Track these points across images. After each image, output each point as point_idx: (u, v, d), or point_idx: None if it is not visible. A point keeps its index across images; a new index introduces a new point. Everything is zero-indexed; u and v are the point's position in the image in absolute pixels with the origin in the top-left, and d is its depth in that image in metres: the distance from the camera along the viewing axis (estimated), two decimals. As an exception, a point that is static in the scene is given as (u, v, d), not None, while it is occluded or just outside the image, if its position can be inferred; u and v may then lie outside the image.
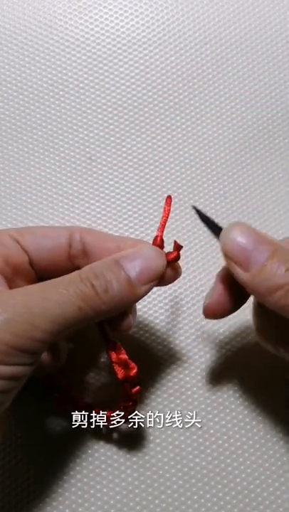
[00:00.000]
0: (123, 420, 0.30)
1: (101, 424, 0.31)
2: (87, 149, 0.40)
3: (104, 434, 0.33)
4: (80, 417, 0.31)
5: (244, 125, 0.40)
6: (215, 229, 0.27)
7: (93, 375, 0.34)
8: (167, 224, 0.30)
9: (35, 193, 0.39)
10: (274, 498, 0.32)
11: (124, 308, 0.26)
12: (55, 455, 0.32)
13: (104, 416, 0.30)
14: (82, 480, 0.32)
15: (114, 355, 0.27)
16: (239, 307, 0.29)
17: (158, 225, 0.28)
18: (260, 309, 0.29)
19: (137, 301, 0.26)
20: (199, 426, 0.33)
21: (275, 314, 0.27)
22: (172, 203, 0.29)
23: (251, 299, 0.29)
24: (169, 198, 0.29)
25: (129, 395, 0.28)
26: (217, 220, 0.38)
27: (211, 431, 0.33)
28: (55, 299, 0.23)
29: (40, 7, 0.42)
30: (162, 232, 0.28)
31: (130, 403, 0.28)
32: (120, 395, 0.29)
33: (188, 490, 0.32)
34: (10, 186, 0.39)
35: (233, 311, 0.29)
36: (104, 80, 0.41)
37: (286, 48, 0.42)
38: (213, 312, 0.28)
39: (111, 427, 0.31)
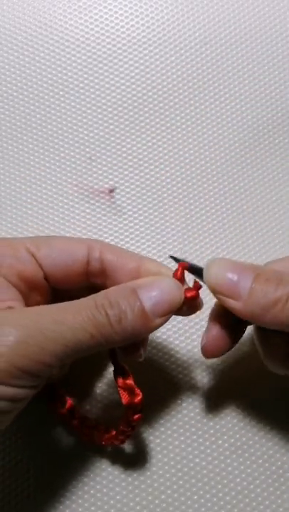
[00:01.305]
0: (118, 442, 0.30)
1: (96, 441, 0.31)
2: (87, 149, 0.40)
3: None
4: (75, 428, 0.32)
5: (244, 125, 0.40)
6: (198, 272, 0.28)
7: (96, 387, 0.34)
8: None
9: (35, 193, 0.39)
10: (274, 498, 0.32)
11: (137, 338, 0.26)
12: (55, 455, 0.32)
13: (101, 434, 0.30)
14: (82, 480, 0.32)
15: (120, 380, 0.27)
16: (236, 342, 0.29)
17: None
18: (262, 335, 0.29)
19: (150, 332, 0.26)
20: (199, 426, 0.33)
21: (278, 335, 0.27)
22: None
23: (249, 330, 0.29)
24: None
25: (130, 421, 0.28)
26: (218, 219, 0.38)
27: (211, 431, 0.33)
28: (69, 324, 0.23)
29: (40, 7, 0.42)
30: (185, 266, 0.27)
31: (129, 428, 0.28)
32: (121, 415, 0.28)
33: (188, 490, 0.32)
34: (10, 186, 0.39)
35: (231, 347, 0.28)
36: (104, 80, 0.41)
37: (286, 48, 0.42)
38: (211, 353, 0.28)
39: (104, 444, 0.30)
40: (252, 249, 0.38)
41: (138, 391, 0.27)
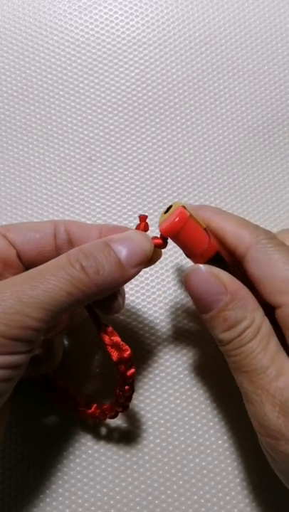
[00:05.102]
0: (121, 409, 0.30)
1: (100, 418, 0.31)
2: (87, 149, 0.40)
3: (104, 435, 0.33)
4: (78, 414, 0.32)
5: (244, 125, 0.40)
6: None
7: (89, 372, 0.34)
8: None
9: (35, 193, 0.39)
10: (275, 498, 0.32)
11: (114, 290, 0.27)
12: (55, 455, 0.33)
13: (103, 409, 0.31)
14: (82, 480, 0.32)
15: (107, 338, 0.28)
16: None
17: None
18: None
19: (126, 282, 0.26)
20: (197, 417, 0.33)
21: None
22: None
23: None
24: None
25: (125, 378, 0.28)
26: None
27: (211, 431, 0.33)
28: (43, 287, 0.23)
29: (40, 7, 0.42)
30: (146, 217, 0.29)
31: (127, 387, 0.28)
32: (116, 385, 0.29)
33: (188, 490, 0.32)
34: (10, 186, 0.39)
35: None
36: (104, 80, 0.41)
37: (286, 47, 0.42)
38: None
39: (111, 419, 0.31)
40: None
41: (126, 346, 0.27)
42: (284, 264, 0.26)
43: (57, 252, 0.29)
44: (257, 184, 0.39)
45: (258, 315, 0.26)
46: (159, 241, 0.28)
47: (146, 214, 0.29)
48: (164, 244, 0.28)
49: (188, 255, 0.28)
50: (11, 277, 0.25)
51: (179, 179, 0.39)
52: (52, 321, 0.24)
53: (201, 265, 0.27)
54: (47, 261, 0.29)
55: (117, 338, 0.27)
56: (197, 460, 0.33)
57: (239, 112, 0.41)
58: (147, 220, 0.29)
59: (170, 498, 0.32)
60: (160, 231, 0.27)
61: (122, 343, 0.27)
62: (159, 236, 0.28)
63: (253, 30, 0.42)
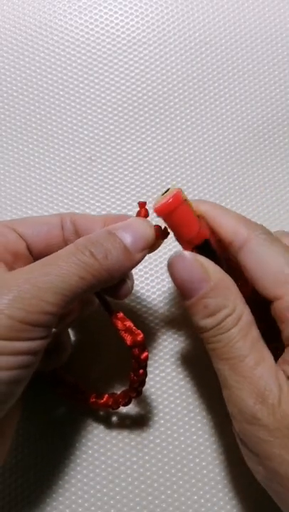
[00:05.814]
0: (135, 394, 0.30)
1: (113, 406, 0.31)
2: (87, 149, 0.40)
3: (103, 435, 0.33)
4: (88, 406, 0.32)
5: (244, 125, 0.40)
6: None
7: (98, 366, 0.34)
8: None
9: (35, 193, 0.39)
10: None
11: (123, 275, 0.27)
12: (54, 456, 0.33)
13: (116, 397, 0.31)
14: (82, 480, 0.32)
15: (119, 324, 0.28)
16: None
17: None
18: None
19: (133, 267, 0.27)
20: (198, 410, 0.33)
21: None
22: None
23: None
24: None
25: (139, 362, 0.28)
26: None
27: (212, 431, 0.33)
28: (56, 273, 0.24)
29: (40, 7, 0.42)
30: (145, 205, 0.29)
31: (141, 371, 0.29)
32: (128, 375, 0.29)
33: (188, 490, 0.32)
34: (10, 186, 0.39)
35: None
36: (104, 80, 0.41)
37: (286, 47, 0.42)
38: None
39: (124, 406, 0.31)
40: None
41: (138, 331, 0.28)
42: (281, 256, 0.26)
43: (65, 243, 0.30)
44: (257, 184, 0.39)
45: (240, 304, 0.26)
46: (161, 232, 0.29)
47: (145, 201, 0.30)
48: (165, 235, 0.29)
49: (177, 239, 0.29)
50: (25, 266, 0.25)
51: (179, 179, 0.39)
52: (66, 307, 0.25)
53: (185, 252, 0.27)
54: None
55: (129, 323, 0.28)
56: (197, 460, 0.33)
57: (239, 112, 0.41)
58: (148, 210, 0.29)
59: (170, 498, 0.32)
60: (154, 210, 0.28)
61: (134, 327, 0.28)
62: (159, 225, 0.29)
63: (253, 30, 0.42)
